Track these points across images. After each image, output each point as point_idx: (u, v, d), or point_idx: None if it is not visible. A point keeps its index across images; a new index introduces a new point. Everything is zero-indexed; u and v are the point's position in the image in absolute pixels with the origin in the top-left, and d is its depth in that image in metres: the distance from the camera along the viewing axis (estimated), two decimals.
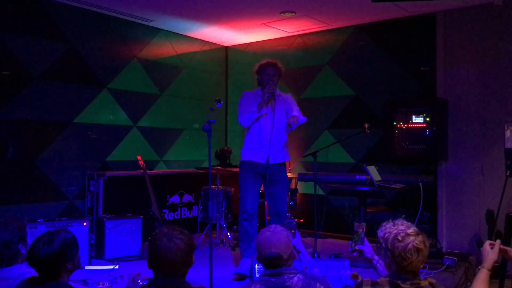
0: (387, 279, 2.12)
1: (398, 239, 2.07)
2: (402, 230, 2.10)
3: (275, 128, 4.19)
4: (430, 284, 2.11)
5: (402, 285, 2.06)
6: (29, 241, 2.47)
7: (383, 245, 2.15)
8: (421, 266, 2.12)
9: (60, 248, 2.13)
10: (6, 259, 2.38)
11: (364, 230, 2.62)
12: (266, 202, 4.49)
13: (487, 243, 2.25)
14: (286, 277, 2.15)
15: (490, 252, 2.20)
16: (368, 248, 2.64)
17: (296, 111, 4.30)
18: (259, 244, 2.27)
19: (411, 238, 2.07)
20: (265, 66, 4.28)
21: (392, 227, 2.15)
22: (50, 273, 2.13)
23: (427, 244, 2.12)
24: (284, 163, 4.37)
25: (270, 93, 4.12)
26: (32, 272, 2.24)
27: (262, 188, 4.42)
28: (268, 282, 2.15)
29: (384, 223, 2.21)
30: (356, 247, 2.58)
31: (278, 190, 4.26)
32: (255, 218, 4.25)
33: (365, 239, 2.62)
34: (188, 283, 2.07)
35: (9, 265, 2.38)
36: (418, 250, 2.06)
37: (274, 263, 2.19)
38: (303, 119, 4.29)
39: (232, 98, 7.00)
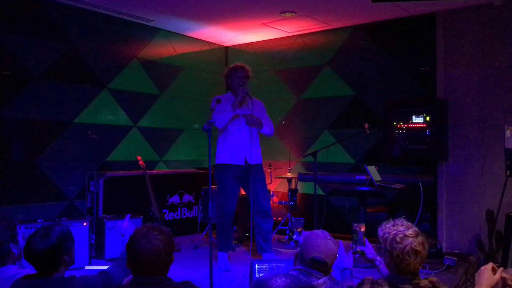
0: (387, 279, 2.12)
1: (396, 241, 2.07)
2: (401, 231, 2.10)
3: (253, 129, 4.27)
4: (431, 282, 2.11)
5: (401, 286, 2.06)
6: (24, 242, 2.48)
7: (382, 245, 2.16)
8: (420, 267, 2.12)
9: (58, 241, 2.16)
10: None
11: (363, 230, 2.61)
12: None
13: (490, 265, 2.00)
14: (314, 278, 2.18)
15: (492, 277, 1.95)
16: (369, 249, 2.64)
17: (266, 119, 4.40)
18: (311, 244, 2.25)
19: (410, 240, 2.07)
20: (234, 69, 4.40)
21: (392, 227, 2.15)
22: (48, 267, 2.15)
23: (426, 245, 2.12)
24: (261, 163, 4.45)
25: (245, 92, 4.20)
26: (23, 273, 2.24)
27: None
28: (296, 279, 2.18)
29: (384, 223, 2.21)
30: (358, 249, 2.58)
31: (260, 188, 4.32)
32: (232, 219, 4.42)
33: (366, 240, 2.62)
34: (170, 279, 2.05)
35: (0, 266, 2.37)
36: (416, 252, 2.06)
37: (318, 268, 2.21)
38: (268, 129, 4.36)
39: None
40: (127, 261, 2.04)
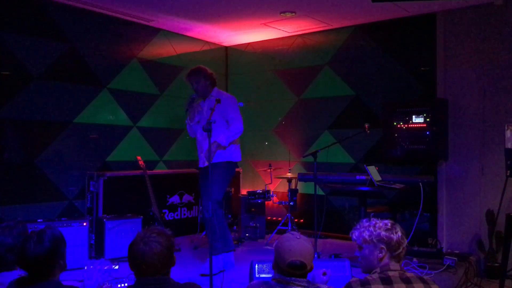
0: (377, 275, 2.13)
1: (389, 229, 2.19)
2: (387, 221, 2.23)
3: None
4: (419, 277, 2.14)
5: (391, 276, 2.09)
6: None
7: (374, 239, 2.19)
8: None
9: (52, 245, 2.13)
10: (9, 264, 2.39)
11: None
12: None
13: None
14: (293, 286, 2.11)
15: None
16: None
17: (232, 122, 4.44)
18: (283, 250, 2.17)
19: (396, 226, 2.22)
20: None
21: (373, 223, 2.24)
22: (43, 272, 2.12)
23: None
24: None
25: (189, 107, 4.63)
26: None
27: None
28: None
29: (358, 224, 2.30)
30: None
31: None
32: None
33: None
34: (172, 280, 2.07)
35: (11, 270, 2.37)
36: (403, 234, 2.22)
37: (297, 274, 2.14)
38: (225, 139, 4.31)
39: None
40: (128, 263, 2.06)
